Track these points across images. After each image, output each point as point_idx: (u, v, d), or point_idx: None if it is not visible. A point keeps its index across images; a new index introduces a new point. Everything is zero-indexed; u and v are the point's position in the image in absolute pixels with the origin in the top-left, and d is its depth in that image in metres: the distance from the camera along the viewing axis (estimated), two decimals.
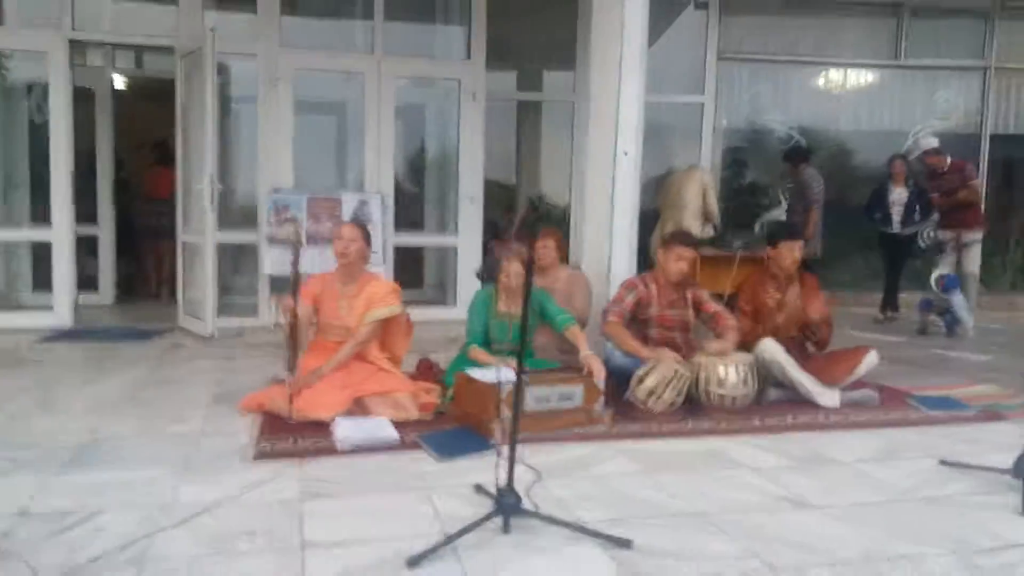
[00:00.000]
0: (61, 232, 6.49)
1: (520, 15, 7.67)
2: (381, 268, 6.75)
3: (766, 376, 4.37)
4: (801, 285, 4.70)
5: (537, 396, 3.66)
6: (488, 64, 7.21)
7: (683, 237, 4.51)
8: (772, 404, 4.33)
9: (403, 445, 3.46)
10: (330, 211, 6.89)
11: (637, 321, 4.51)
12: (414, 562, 2.29)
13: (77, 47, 6.66)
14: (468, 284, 7.18)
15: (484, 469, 2.89)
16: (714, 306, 4.47)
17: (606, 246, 5.33)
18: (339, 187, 7.46)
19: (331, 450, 3.39)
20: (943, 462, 3.38)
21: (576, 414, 3.76)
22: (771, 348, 4.36)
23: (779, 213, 8.93)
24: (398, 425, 3.62)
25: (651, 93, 8.80)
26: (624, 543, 2.47)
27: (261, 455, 3.30)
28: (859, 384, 4.46)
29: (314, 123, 7.64)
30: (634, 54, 5.31)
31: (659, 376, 3.96)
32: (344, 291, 4.12)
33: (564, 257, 5.16)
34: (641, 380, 4.02)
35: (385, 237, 7.08)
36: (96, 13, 6.71)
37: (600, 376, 3.83)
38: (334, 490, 2.92)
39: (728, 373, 4.02)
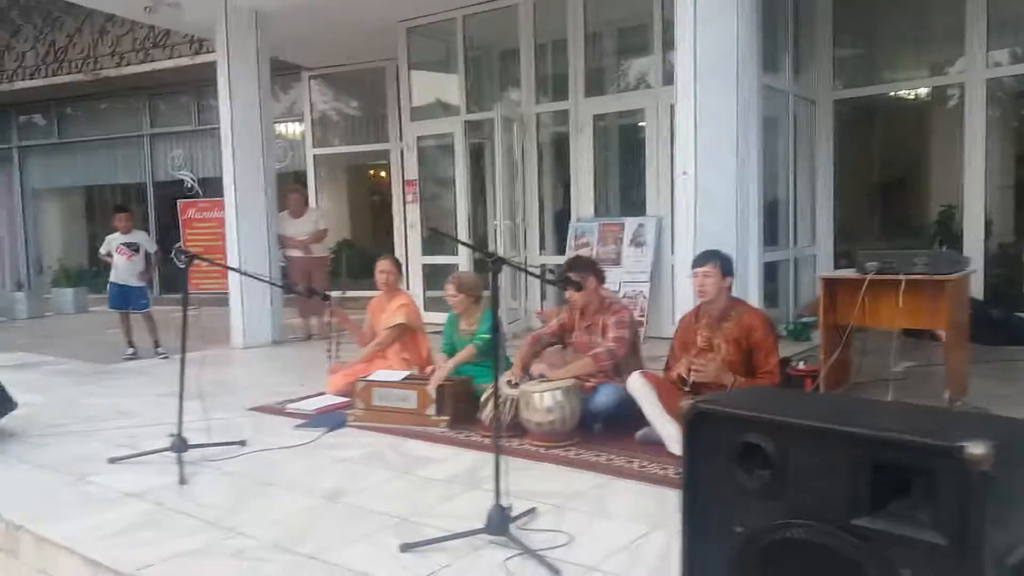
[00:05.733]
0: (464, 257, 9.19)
1: None
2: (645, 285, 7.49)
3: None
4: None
5: (381, 395, 4.72)
6: None
7: (567, 265, 4.53)
8: (639, 443, 4.16)
9: (310, 416, 5.03)
10: (615, 235, 7.91)
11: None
12: None
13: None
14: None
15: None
16: (612, 332, 4.41)
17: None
18: (625, 213, 8.26)
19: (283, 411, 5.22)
20: None
21: (412, 414, 4.63)
22: (632, 384, 4.14)
23: None
24: None
25: None
26: None
27: (255, 407, 5.36)
28: None
29: (609, 157, 8.59)
30: (686, 71, 5.21)
31: (489, 391, 4.41)
32: (385, 307, 5.70)
33: None
34: None
35: (660, 257, 7.68)
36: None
37: (431, 385, 4.58)
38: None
39: (532, 399, 4.16)
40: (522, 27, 8.55)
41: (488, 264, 2.98)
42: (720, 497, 1.73)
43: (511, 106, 8.56)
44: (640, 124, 7.98)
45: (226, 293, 8.28)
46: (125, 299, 7.65)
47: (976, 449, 1.33)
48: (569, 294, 4.54)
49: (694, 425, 1.73)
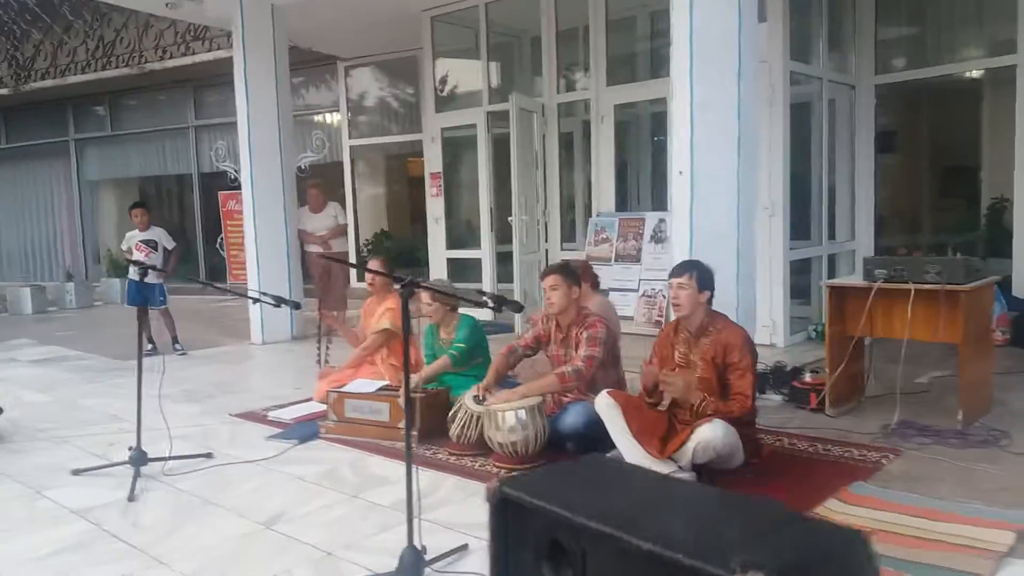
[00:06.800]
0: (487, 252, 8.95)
1: None
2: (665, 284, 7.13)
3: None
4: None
5: (353, 407, 4.56)
6: None
7: (548, 268, 4.31)
8: None
9: (287, 426, 4.92)
10: (635, 231, 7.58)
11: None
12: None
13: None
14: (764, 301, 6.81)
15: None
16: (582, 350, 4.14)
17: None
18: (647, 208, 7.91)
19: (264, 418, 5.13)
20: None
21: (384, 427, 4.47)
22: (599, 404, 3.86)
23: None
24: None
25: None
26: None
27: (240, 413, 5.29)
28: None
29: (631, 149, 8.21)
30: (682, 67, 4.86)
31: (456, 407, 4.21)
32: (375, 310, 5.55)
33: None
34: None
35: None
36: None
37: (402, 398, 4.39)
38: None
39: (495, 417, 3.93)
40: (544, 13, 8.24)
41: (399, 289, 2.77)
42: None
43: (528, 96, 8.27)
44: (662, 113, 7.58)
45: None
46: (143, 296, 7.70)
47: None
48: (547, 299, 4.30)
49: (499, 511, 1.49)
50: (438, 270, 9.42)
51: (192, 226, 14.09)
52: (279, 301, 4.50)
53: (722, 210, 4.88)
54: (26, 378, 6.94)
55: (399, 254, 12.32)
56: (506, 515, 1.47)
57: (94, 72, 13.34)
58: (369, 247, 12.42)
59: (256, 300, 4.59)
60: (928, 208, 8.84)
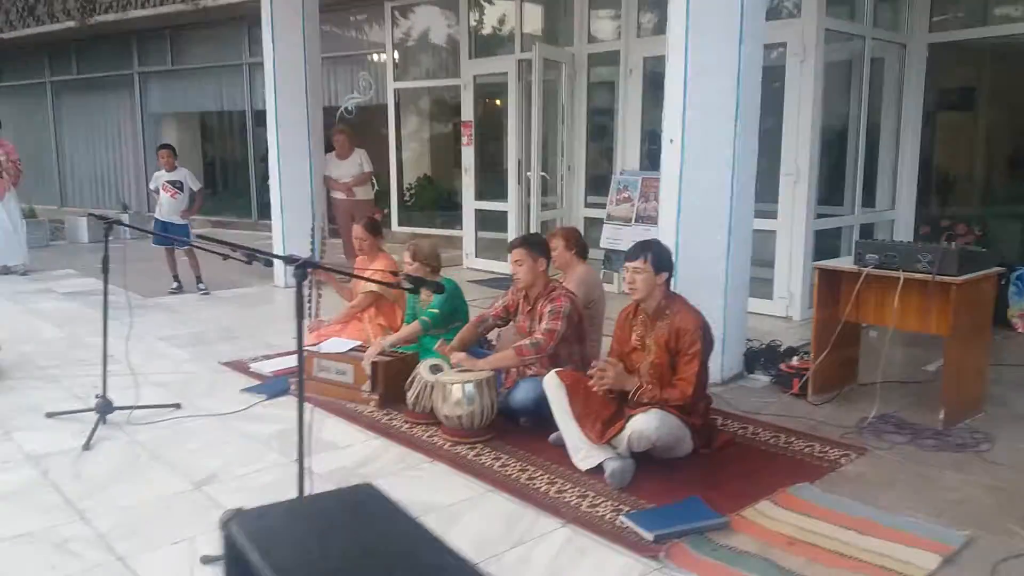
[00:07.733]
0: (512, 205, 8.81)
1: None
2: None
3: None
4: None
5: (321, 366, 4.58)
6: None
7: (512, 242, 4.20)
8: (552, 445, 3.82)
9: (264, 379, 4.99)
10: (656, 190, 7.28)
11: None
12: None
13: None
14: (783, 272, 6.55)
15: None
16: (544, 323, 4.03)
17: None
18: None
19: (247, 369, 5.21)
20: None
21: (347, 389, 4.47)
22: (546, 383, 3.75)
23: None
24: None
25: None
26: None
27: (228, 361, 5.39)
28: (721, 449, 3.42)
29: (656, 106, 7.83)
30: (678, 27, 4.59)
31: (412, 375, 4.17)
32: (365, 270, 5.53)
33: None
34: None
35: None
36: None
37: (365, 361, 4.39)
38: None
39: (444, 390, 3.88)
40: None
41: (293, 272, 2.70)
42: None
43: (558, 47, 7.98)
44: None
45: None
46: (168, 236, 7.87)
47: None
48: (513, 272, 4.18)
49: (227, 543, 1.43)
50: (468, 220, 9.33)
51: (245, 163, 14.30)
52: (250, 257, 4.50)
53: (714, 180, 4.65)
54: (51, 312, 7.21)
55: (438, 200, 12.27)
56: (232, 548, 1.41)
57: (152, 7, 13.49)
58: (412, 192, 12.38)
59: (226, 257, 4.58)
60: (981, 179, 8.23)
